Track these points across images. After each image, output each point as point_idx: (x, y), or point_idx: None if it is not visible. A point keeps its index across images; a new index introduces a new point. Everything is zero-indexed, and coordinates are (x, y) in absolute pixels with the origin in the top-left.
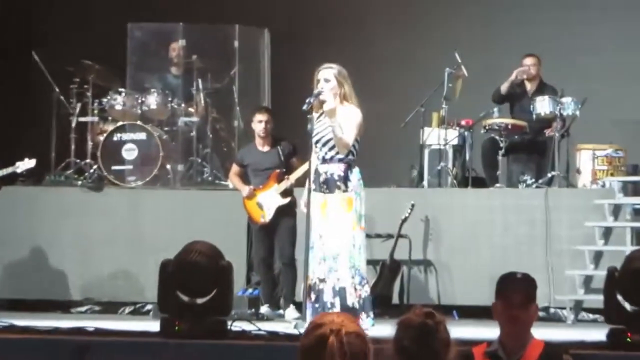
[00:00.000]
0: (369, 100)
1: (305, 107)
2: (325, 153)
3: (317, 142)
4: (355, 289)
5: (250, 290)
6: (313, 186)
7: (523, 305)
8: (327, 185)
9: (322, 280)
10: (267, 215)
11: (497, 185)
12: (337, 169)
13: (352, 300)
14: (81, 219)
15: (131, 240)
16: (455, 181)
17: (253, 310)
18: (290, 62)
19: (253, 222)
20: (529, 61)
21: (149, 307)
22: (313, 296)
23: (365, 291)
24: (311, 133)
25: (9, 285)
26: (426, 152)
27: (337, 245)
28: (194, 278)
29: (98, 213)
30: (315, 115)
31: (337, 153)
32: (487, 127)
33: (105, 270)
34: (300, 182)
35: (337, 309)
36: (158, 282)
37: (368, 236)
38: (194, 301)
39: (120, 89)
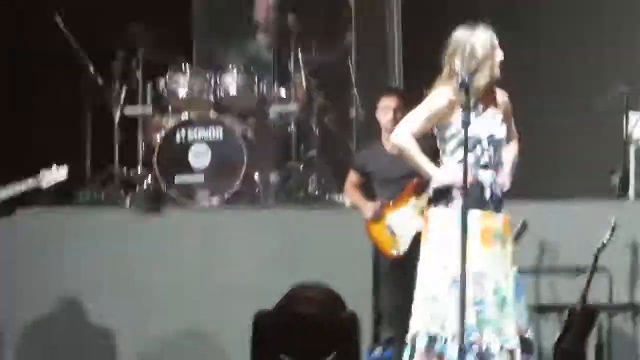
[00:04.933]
0: (539, 72)
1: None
2: (493, 155)
3: (478, 141)
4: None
5: (379, 351)
6: (465, 202)
7: None
8: (494, 202)
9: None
10: (401, 244)
11: None
12: (502, 180)
13: None
14: (131, 255)
15: (206, 284)
16: None
17: None
18: (431, 25)
19: (382, 254)
20: None
21: None
22: None
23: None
24: (466, 127)
25: (28, 352)
26: (632, 149)
27: (505, 289)
28: (305, 336)
29: (155, 246)
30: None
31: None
32: None
33: (168, 330)
34: None
35: None
36: (251, 344)
37: (551, 271)
38: None
39: (184, 66)
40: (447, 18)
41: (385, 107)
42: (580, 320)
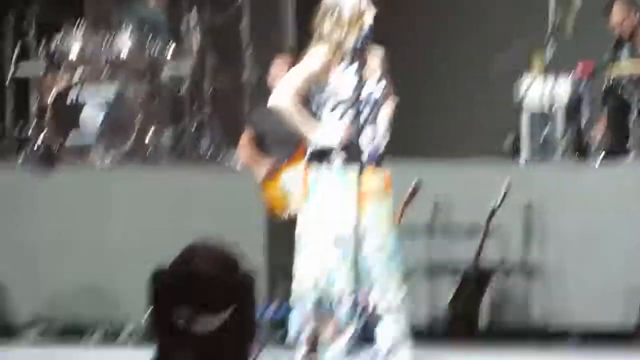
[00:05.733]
0: (431, 32)
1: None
2: (370, 113)
3: (356, 100)
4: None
5: (274, 307)
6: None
7: None
8: (374, 160)
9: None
10: (296, 202)
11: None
12: (379, 138)
13: None
14: (24, 215)
15: (99, 243)
16: (569, 153)
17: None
18: None
19: (275, 215)
20: (617, 16)
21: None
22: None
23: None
24: (360, 90)
25: None
26: (524, 112)
27: (388, 246)
28: (202, 293)
29: (49, 205)
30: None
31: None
32: (612, 79)
33: (63, 289)
34: None
35: None
36: (148, 302)
37: (445, 230)
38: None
39: (76, 25)
40: None
41: (279, 69)
42: (474, 280)
